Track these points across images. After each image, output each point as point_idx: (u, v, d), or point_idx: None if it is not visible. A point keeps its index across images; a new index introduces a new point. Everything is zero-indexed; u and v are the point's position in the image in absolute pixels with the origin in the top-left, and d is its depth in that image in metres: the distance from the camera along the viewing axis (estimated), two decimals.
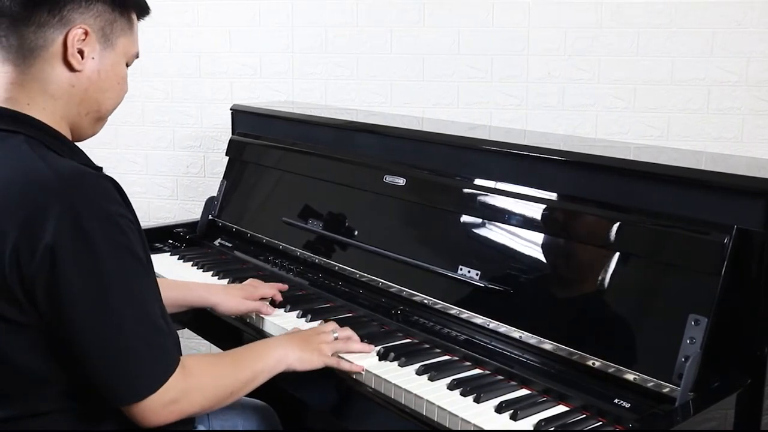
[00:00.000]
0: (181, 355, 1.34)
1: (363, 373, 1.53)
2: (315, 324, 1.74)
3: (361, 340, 1.63)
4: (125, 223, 1.26)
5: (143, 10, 1.45)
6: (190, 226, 2.52)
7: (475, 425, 1.33)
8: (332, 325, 1.65)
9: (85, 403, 1.29)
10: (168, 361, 1.29)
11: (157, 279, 1.85)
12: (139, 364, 1.25)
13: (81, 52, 1.33)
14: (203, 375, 1.35)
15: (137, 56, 1.45)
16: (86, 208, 1.21)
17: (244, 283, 1.93)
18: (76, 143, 1.41)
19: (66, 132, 1.37)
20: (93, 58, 1.34)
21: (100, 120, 1.42)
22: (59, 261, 1.19)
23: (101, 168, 1.34)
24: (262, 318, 1.82)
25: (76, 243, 1.19)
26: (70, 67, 1.33)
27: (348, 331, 1.63)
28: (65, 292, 1.20)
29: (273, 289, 1.90)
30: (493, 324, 1.64)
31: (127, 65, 1.43)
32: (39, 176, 1.23)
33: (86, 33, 1.32)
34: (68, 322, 1.21)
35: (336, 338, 1.60)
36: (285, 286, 1.93)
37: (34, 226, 1.19)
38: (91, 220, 1.21)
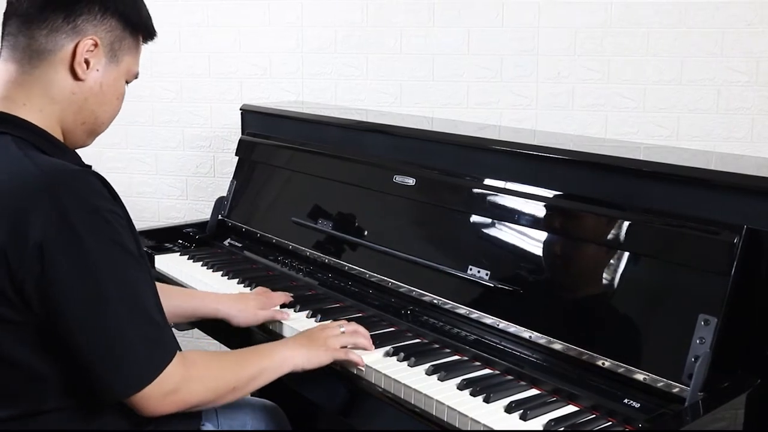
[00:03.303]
0: (179, 348, 1.35)
1: (372, 371, 1.53)
2: None
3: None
4: (114, 218, 1.26)
5: (150, 35, 1.48)
6: (200, 226, 2.53)
7: (484, 425, 1.34)
8: (339, 322, 1.65)
9: (87, 401, 1.30)
10: (163, 351, 1.29)
11: (169, 287, 1.86)
12: (132, 355, 1.25)
13: (87, 62, 1.35)
14: (205, 367, 1.37)
15: (137, 76, 1.48)
16: (72, 203, 1.22)
17: (254, 291, 1.91)
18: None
19: (58, 135, 1.38)
20: (97, 70, 1.37)
21: (93, 133, 1.44)
22: (49, 257, 1.20)
23: (90, 166, 1.34)
24: (281, 323, 1.80)
25: (65, 237, 1.20)
26: (75, 75, 1.35)
27: (354, 325, 1.64)
28: (56, 287, 1.21)
29: (283, 297, 1.87)
30: (502, 324, 1.64)
31: (127, 83, 1.46)
32: (25, 175, 1.24)
33: (95, 45, 1.36)
34: (60, 316, 1.22)
35: (343, 332, 1.60)
36: (290, 296, 1.90)
37: (22, 225, 1.20)
38: (78, 215, 1.21)
